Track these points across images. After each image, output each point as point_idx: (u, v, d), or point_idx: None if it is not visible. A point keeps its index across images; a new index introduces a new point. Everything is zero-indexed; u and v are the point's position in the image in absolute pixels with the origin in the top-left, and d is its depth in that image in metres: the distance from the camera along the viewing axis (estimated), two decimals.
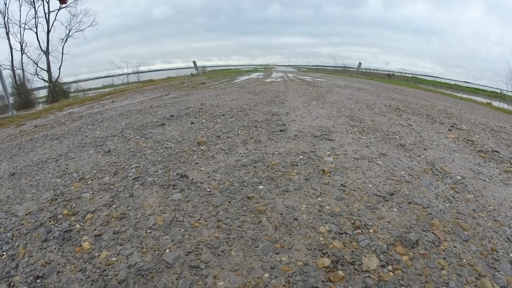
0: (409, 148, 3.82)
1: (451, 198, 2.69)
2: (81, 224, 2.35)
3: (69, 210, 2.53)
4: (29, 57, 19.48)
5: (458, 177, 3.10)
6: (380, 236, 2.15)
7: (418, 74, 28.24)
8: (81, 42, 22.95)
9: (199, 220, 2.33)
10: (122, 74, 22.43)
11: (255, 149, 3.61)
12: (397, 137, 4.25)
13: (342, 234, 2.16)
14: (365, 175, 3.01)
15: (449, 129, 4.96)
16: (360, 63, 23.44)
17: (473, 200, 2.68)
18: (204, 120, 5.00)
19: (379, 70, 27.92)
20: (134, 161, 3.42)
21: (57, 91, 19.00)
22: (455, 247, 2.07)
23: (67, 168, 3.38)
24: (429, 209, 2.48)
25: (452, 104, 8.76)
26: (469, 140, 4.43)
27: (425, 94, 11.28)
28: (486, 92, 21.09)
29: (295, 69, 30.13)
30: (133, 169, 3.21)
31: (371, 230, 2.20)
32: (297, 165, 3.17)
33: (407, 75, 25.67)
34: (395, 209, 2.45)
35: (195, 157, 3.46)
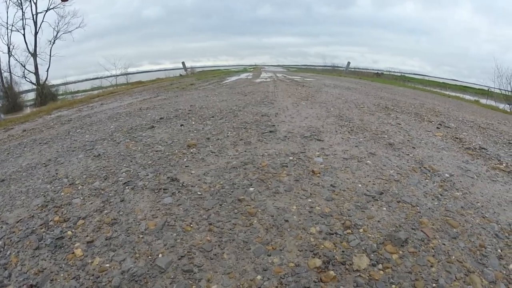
0: (398, 147, 3.86)
1: (439, 196, 2.73)
2: (73, 230, 2.34)
3: (60, 217, 2.52)
4: (16, 60, 19.22)
5: (447, 175, 3.15)
6: (370, 235, 2.18)
7: (407, 73, 28.46)
8: (70, 43, 22.70)
9: (191, 223, 2.34)
10: (110, 76, 22.29)
11: (245, 151, 3.62)
12: (386, 136, 4.30)
13: (332, 234, 2.19)
14: (354, 175, 3.04)
15: (437, 127, 5.03)
16: (348, 63, 23.66)
17: (461, 198, 2.73)
18: (193, 122, 5.00)
19: (368, 69, 28.22)
20: (124, 165, 3.41)
21: (45, 94, 18.72)
22: (444, 244, 2.11)
23: (56, 173, 3.35)
24: (418, 208, 2.52)
25: (440, 102, 8.87)
26: (457, 138, 4.50)
27: (413, 93, 11.40)
28: (474, 89, 21.34)
29: (284, 69, 30.11)
30: (124, 173, 3.20)
31: (361, 230, 2.23)
32: (287, 166, 3.19)
33: (396, 74, 25.91)
34: (385, 208, 2.49)
35: (185, 160, 3.46)
